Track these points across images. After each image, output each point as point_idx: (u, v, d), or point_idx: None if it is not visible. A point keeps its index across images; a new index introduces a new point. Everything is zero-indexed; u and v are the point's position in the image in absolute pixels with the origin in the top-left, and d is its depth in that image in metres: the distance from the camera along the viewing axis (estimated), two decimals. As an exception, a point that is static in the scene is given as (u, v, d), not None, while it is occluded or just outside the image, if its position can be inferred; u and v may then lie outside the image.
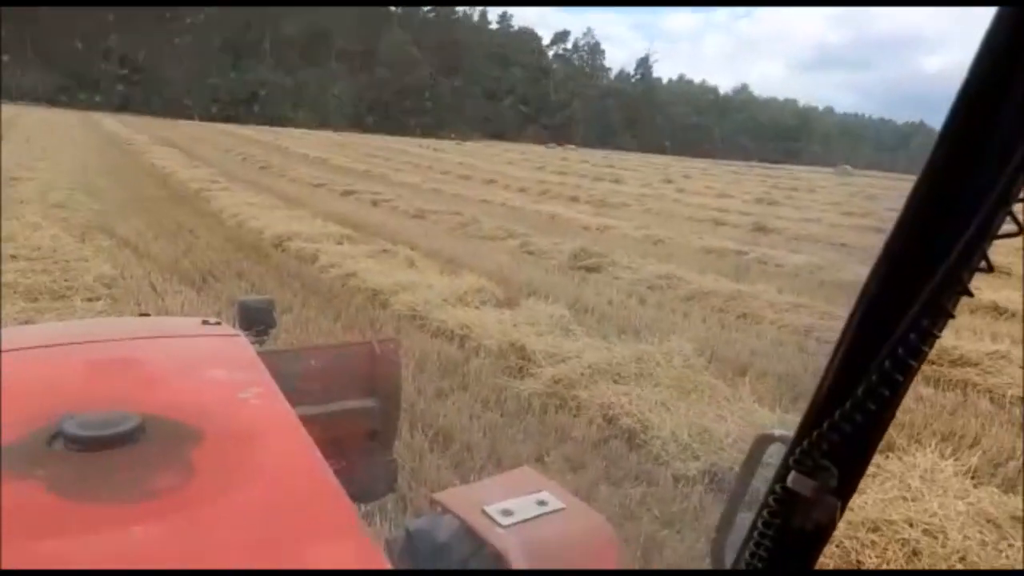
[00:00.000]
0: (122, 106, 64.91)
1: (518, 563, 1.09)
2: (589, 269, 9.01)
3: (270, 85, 74.50)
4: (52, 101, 63.53)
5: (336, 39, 79.95)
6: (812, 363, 5.73)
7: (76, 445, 1.03)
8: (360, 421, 1.99)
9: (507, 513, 1.16)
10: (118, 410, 1.10)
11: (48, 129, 29.88)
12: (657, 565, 2.90)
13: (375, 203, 14.68)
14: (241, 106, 71.02)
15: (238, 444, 1.13)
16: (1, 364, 1.37)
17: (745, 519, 0.79)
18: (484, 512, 1.16)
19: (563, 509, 1.20)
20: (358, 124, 72.02)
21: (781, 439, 0.73)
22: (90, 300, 5.90)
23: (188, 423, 1.14)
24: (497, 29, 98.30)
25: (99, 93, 68.77)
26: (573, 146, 69.04)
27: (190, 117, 59.59)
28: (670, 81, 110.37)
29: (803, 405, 0.64)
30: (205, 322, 1.82)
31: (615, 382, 4.54)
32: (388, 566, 0.92)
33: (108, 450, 1.03)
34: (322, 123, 68.02)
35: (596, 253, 9.48)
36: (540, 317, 5.92)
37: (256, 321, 2.06)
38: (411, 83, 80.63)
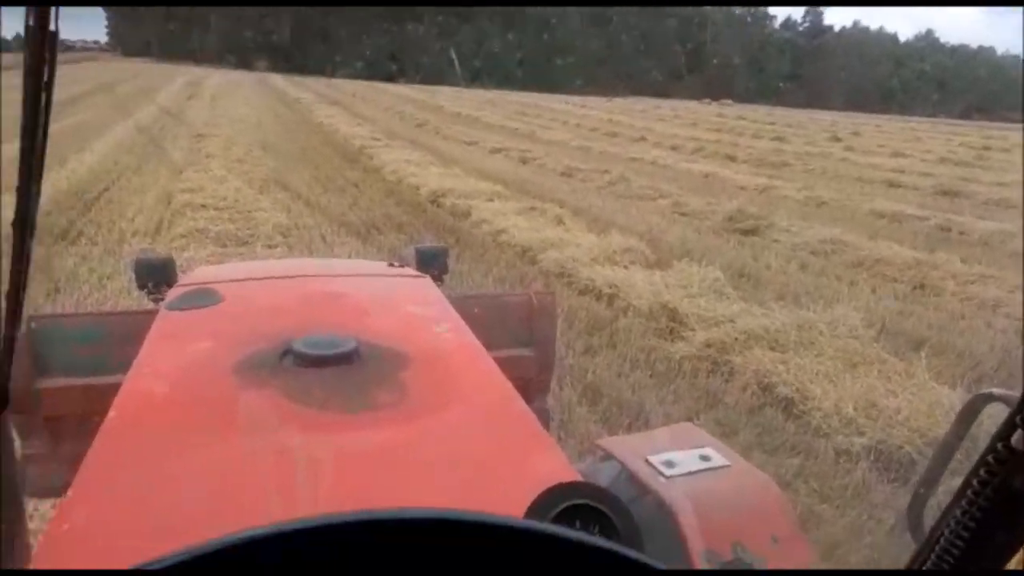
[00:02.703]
0: (292, 67, 69.46)
1: (683, 513, 1.07)
2: (746, 231, 8.60)
3: (427, 43, 76.57)
4: (233, 63, 69.17)
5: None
6: (1000, 340, 5.17)
7: (304, 361, 1.17)
8: (516, 369, 2.00)
9: (670, 464, 1.15)
10: (335, 334, 1.24)
11: (229, 90, 32.58)
12: (811, 541, 2.78)
13: (524, 161, 14.79)
14: (399, 64, 73.67)
15: (440, 368, 1.26)
16: (233, 291, 1.58)
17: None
18: (647, 461, 1.16)
19: (728, 466, 1.18)
20: (508, 81, 72.50)
21: (1002, 398, 0.69)
22: (269, 247, 6.45)
23: (395, 348, 1.27)
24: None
25: (273, 55, 73.91)
26: (730, 101, 65.50)
27: (353, 77, 62.58)
28: (843, 29, 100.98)
29: (990, 384, 0.59)
30: (391, 265, 2.01)
31: (772, 349, 4.34)
32: (577, 475, 0.96)
33: (330, 367, 1.16)
34: (474, 80, 69.15)
35: (754, 215, 9.01)
36: (692, 279, 5.74)
37: (431, 266, 2.16)
38: (561, 38, 79.71)
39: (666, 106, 48.60)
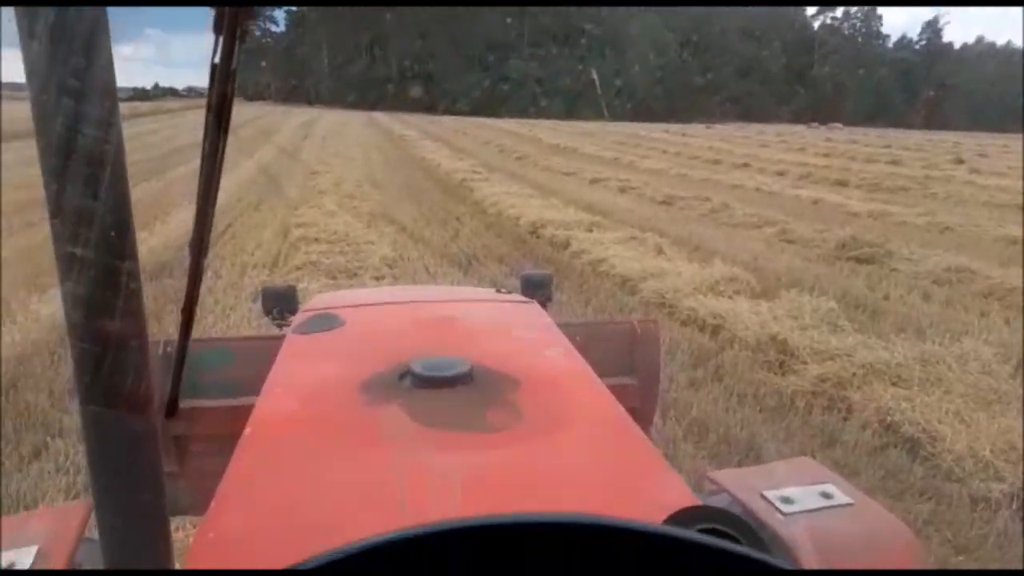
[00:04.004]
0: (399, 105, 72.47)
1: (804, 554, 0.99)
2: (860, 260, 8.16)
3: (525, 77, 78.08)
4: (344, 103, 73.02)
5: (587, 26, 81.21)
6: None
7: (421, 382, 1.22)
8: (620, 398, 2.04)
9: (787, 500, 1.07)
10: (450, 357, 1.29)
11: (339, 129, 34.34)
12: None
13: (623, 190, 14.70)
14: (499, 99, 75.38)
15: (552, 391, 1.26)
16: (353, 316, 1.67)
17: None
18: (763, 496, 1.09)
19: (851, 504, 1.09)
20: (606, 112, 72.68)
21: None
22: (376, 278, 6.69)
23: (507, 371, 1.29)
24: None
25: (380, 95, 77.50)
26: (839, 124, 62.87)
27: (455, 112, 64.60)
28: (964, 46, 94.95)
29: None
30: (498, 291, 2.07)
31: (894, 385, 4.07)
32: (698, 501, 0.93)
33: (446, 389, 1.21)
34: (572, 113, 69.77)
35: (869, 242, 8.55)
36: (803, 310, 5.49)
37: (537, 293, 2.16)
38: (659, 66, 79.27)
39: (770, 131, 47.22)
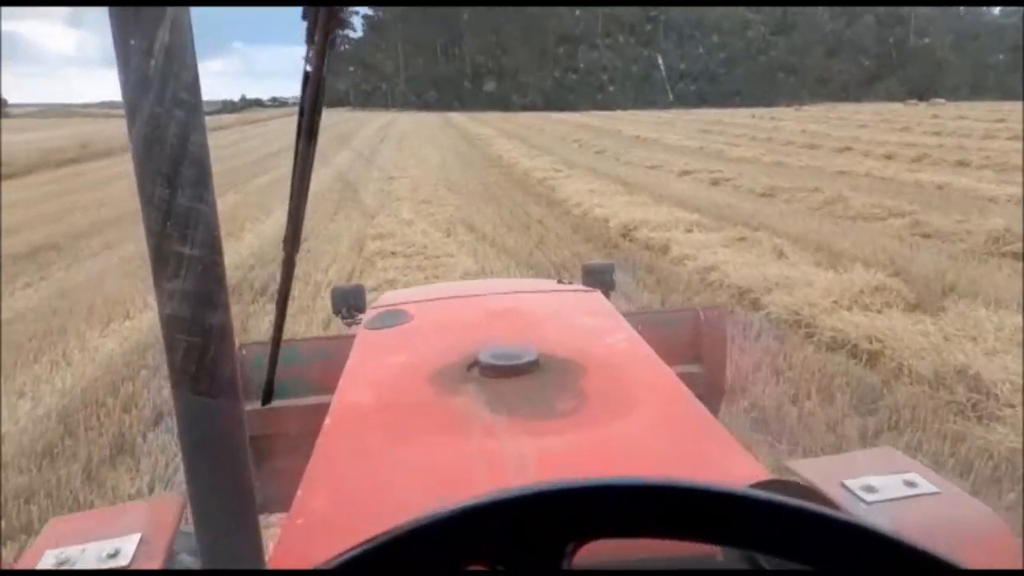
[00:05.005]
0: (473, 104, 72.43)
1: None
2: (1020, 256, 6.89)
3: (599, 70, 76.51)
4: (419, 105, 73.61)
5: (664, 13, 78.80)
6: None
7: (490, 372, 1.29)
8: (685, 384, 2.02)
9: (870, 489, 0.95)
10: (516, 346, 1.34)
11: (415, 131, 34.27)
12: None
13: (715, 182, 13.59)
14: (574, 93, 74.15)
15: (618, 376, 1.32)
16: (421, 311, 1.74)
17: None
18: (844, 485, 0.97)
19: (938, 493, 0.95)
20: (684, 99, 70.28)
21: None
22: (458, 297, 6.02)
23: (573, 358, 1.36)
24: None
25: (454, 95, 77.72)
26: (941, 100, 58.56)
27: (531, 108, 63.89)
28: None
29: None
30: (560, 281, 2.16)
31: None
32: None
33: (514, 377, 1.27)
34: (649, 103, 67.72)
35: (1027, 234, 7.25)
36: (983, 328, 4.44)
37: (597, 282, 2.20)
38: (741, 49, 75.98)
39: (866, 110, 44.30)
